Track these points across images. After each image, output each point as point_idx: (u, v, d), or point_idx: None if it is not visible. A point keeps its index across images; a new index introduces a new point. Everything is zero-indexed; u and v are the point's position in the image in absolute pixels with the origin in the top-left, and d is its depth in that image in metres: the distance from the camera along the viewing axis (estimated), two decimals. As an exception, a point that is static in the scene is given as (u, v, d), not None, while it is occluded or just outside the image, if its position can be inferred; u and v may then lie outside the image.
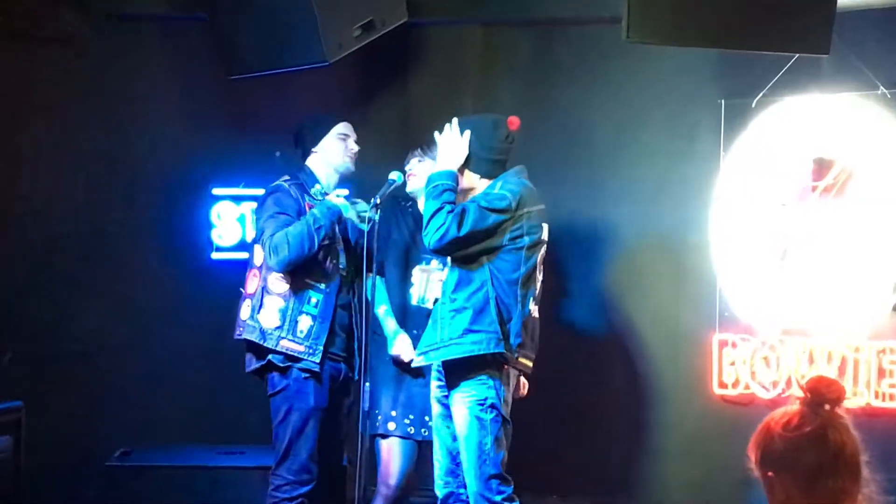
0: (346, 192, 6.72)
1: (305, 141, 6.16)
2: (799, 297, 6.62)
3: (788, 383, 6.55)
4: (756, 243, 6.75)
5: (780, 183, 6.68)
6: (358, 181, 6.60)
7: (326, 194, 6.09)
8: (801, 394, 4.85)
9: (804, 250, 6.61)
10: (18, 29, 6.95)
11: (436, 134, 5.69)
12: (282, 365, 5.95)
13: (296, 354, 5.94)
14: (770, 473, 3.13)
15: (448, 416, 5.70)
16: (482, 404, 5.52)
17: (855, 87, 6.40)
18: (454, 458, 5.73)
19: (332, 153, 6.12)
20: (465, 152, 5.62)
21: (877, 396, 6.33)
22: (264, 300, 5.99)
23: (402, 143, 6.47)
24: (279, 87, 6.71)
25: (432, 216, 5.44)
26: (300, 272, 5.91)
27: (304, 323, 5.97)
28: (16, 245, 6.98)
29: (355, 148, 6.13)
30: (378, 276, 6.20)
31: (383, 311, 6.20)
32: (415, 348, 6.01)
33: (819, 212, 6.55)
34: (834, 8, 5.39)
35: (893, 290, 6.36)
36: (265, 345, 5.93)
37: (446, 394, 5.66)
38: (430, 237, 5.45)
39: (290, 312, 5.96)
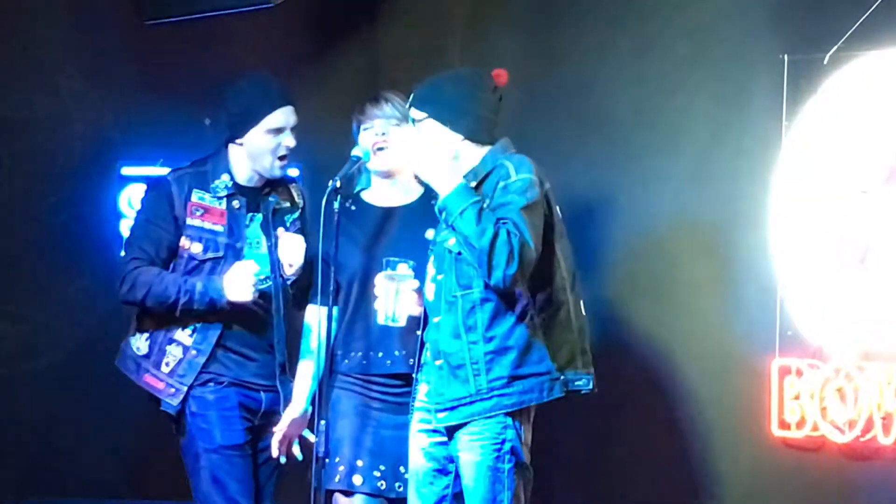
0: (296, 172, 6.63)
1: (234, 123, 5.89)
2: (884, 310, 6.27)
3: (870, 425, 6.19)
4: (828, 241, 6.43)
5: (859, 163, 6.36)
6: (314, 158, 6.49)
7: (232, 193, 5.83)
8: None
9: (891, 250, 6.27)
10: None
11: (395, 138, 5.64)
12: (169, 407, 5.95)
13: (155, 394, 5.82)
14: None
15: (438, 472, 5.47)
16: (498, 450, 5.26)
17: None
18: (443, 514, 5.45)
19: (259, 153, 5.85)
20: (452, 149, 5.35)
21: None
22: (142, 319, 5.90)
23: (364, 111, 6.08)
24: (208, 35, 6.84)
25: (492, 249, 5.10)
26: None
27: (173, 355, 5.83)
28: None
29: (291, 144, 5.85)
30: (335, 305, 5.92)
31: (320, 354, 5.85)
32: (370, 382, 5.86)
33: None
34: None
35: None
36: (136, 380, 5.86)
37: (440, 441, 5.42)
38: (500, 273, 5.11)
39: (159, 338, 5.86)
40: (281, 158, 5.75)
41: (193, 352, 5.69)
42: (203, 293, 5.64)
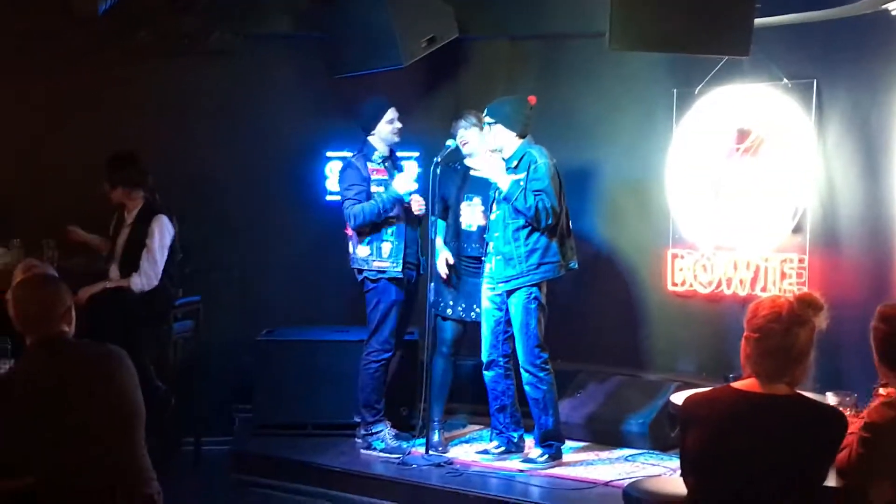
0: (416, 153, 6.93)
1: (367, 124, 6.13)
2: (726, 223, 6.53)
3: (719, 283, 6.50)
4: (697, 186, 6.65)
5: (713, 145, 6.56)
6: (426, 148, 6.71)
7: (383, 159, 6.09)
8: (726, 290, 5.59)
9: (730, 191, 6.50)
10: (181, 47, 6.94)
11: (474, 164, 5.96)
12: (374, 277, 6.04)
13: (385, 269, 6.03)
14: (746, 334, 3.16)
15: (495, 307, 5.89)
16: (528, 296, 5.73)
17: (767, 78, 6.26)
18: (496, 335, 5.92)
19: (384, 134, 6.10)
20: (499, 163, 5.74)
21: (781, 291, 6.07)
22: (360, 238, 6.05)
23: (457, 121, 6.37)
24: (370, 83, 6.64)
25: (537, 211, 5.54)
26: None
27: (386, 247, 6.03)
28: (195, 199, 6.99)
29: (399, 126, 6.09)
30: (440, 219, 6.20)
31: (439, 241, 6.19)
32: (460, 258, 6.19)
33: (740, 165, 6.42)
34: (752, 23, 5.36)
35: (791, 218, 6.24)
36: (365, 269, 6.04)
37: (497, 293, 5.84)
38: (544, 224, 5.58)
39: (374, 243, 6.03)
40: (396, 133, 6.07)
41: (396, 242, 5.99)
42: (387, 196, 5.93)
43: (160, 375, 6.07)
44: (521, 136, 5.79)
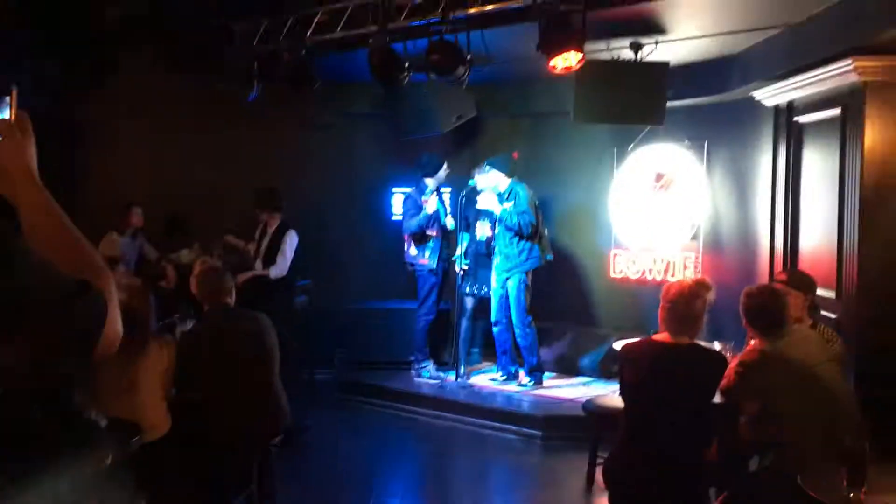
0: (449, 189, 6.62)
1: (432, 171, 6.13)
2: (648, 233, 6.39)
3: (644, 273, 6.32)
4: (629, 209, 6.49)
5: (640, 183, 6.42)
6: (456, 185, 6.47)
7: (433, 190, 6.07)
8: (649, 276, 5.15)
9: (651, 212, 6.36)
10: (301, 120, 6.81)
11: (479, 199, 5.80)
12: (420, 270, 6.03)
13: (425, 265, 6.11)
14: (661, 304, 3.05)
15: (500, 287, 5.83)
16: (521, 280, 5.74)
17: (674, 140, 6.12)
18: (501, 304, 5.87)
19: (441, 177, 6.14)
20: (494, 198, 5.67)
21: (684, 277, 5.37)
22: (410, 245, 6.19)
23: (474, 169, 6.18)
24: (419, 144, 6.51)
25: (521, 227, 5.53)
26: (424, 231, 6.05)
27: (427, 252, 6.09)
28: (307, 219, 6.44)
29: (448, 171, 6.18)
30: (464, 232, 6.12)
31: (459, 250, 6.11)
32: (477, 256, 6.10)
33: (657, 196, 6.32)
34: (665, 104, 5.24)
35: (690, 230, 6.13)
36: (415, 264, 6.05)
37: (501, 278, 5.81)
38: (527, 234, 5.56)
39: (421, 246, 6.11)
40: (446, 177, 6.19)
41: (433, 250, 6.04)
42: (423, 216, 5.95)
43: (289, 333, 5.89)
44: (510, 176, 5.79)
